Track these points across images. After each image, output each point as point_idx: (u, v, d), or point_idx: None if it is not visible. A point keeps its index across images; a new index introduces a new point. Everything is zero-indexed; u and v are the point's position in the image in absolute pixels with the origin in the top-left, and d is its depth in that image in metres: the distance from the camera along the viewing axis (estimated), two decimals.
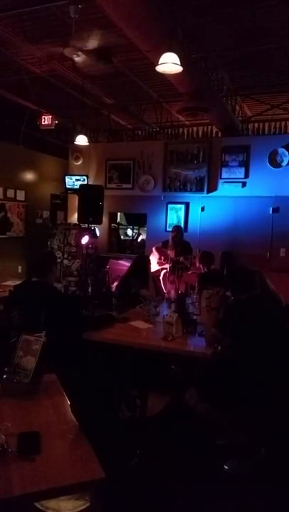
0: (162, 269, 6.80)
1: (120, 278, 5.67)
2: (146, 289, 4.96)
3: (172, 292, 4.72)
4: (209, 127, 8.21)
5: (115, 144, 8.82)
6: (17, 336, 2.36)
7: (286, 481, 2.69)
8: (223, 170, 7.60)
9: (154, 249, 7.10)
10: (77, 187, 8.18)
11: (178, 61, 4.20)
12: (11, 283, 4.56)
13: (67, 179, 8.84)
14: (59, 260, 7.31)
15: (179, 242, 6.59)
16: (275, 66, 6.79)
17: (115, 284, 6.51)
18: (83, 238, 7.43)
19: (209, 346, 2.99)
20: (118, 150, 8.63)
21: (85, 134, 8.12)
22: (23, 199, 9.10)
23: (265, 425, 2.80)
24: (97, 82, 7.78)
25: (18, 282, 3.88)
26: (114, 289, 6.49)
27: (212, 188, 7.71)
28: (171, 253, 6.47)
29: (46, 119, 8.38)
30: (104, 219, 8.16)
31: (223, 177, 7.61)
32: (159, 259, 6.90)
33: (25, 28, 5.67)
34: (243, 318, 2.85)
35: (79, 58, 5.76)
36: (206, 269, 5.25)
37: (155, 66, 4.45)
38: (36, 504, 1.63)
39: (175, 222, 7.84)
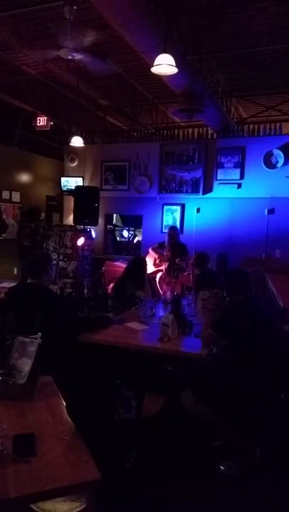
0: (158, 270, 6.80)
1: (116, 279, 5.67)
2: (142, 290, 4.96)
3: (168, 293, 4.72)
4: (204, 128, 8.24)
5: (111, 146, 8.82)
6: (12, 338, 2.35)
7: (282, 482, 2.69)
8: (219, 171, 7.61)
9: (150, 250, 7.11)
10: (73, 188, 8.17)
11: (173, 62, 4.21)
12: (7, 285, 4.55)
13: (62, 181, 8.83)
14: (55, 262, 7.29)
15: (175, 244, 6.60)
16: (270, 68, 6.83)
17: (111, 285, 6.51)
18: (79, 240, 7.42)
19: (205, 347, 2.99)
20: (114, 151, 8.63)
21: (81, 136, 8.12)
22: (18, 201, 9.09)
23: (261, 426, 2.81)
24: (93, 84, 7.79)
25: (13, 284, 3.87)
26: (110, 290, 6.48)
27: (207, 189, 7.72)
28: (167, 255, 6.48)
29: (41, 121, 8.38)
30: (100, 220, 8.17)
31: (218, 178, 7.62)
32: (155, 260, 6.91)
33: (20, 29, 5.68)
34: (238, 319, 2.86)
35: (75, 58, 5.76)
36: (198, 271, 5.27)
37: (150, 67, 4.46)
38: (32, 506, 1.62)
39: (171, 223, 7.84)
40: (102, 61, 6.12)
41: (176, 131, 8.61)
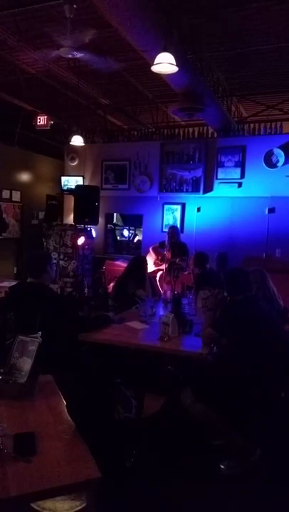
0: (159, 269, 6.80)
1: (117, 279, 5.67)
2: (142, 289, 4.95)
3: (168, 293, 4.72)
4: (205, 127, 8.23)
5: (111, 145, 8.81)
6: (12, 338, 2.35)
7: (282, 482, 2.69)
8: (219, 170, 7.61)
9: (151, 249, 7.10)
10: (73, 188, 8.16)
11: (173, 61, 4.20)
12: (7, 284, 4.55)
13: (63, 180, 8.83)
14: (55, 261, 7.29)
15: (175, 243, 6.60)
16: (270, 67, 6.83)
17: (111, 284, 6.50)
18: (79, 239, 7.42)
19: (205, 346, 2.99)
20: (114, 150, 8.62)
21: (81, 135, 8.11)
22: (18, 200, 9.09)
23: (261, 425, 2.80)
24: (93, 83, 7.78)
25: (13, 283, 3.87)
26: (110, 289, 6.48)
27: (208, 188, 7.72)
28: (167, 254, 6.47)
29: (41, 120, 8.37)
30: (101, 220, 8.16)
31: (218, 177, 7.62)
32: (156, 259, 6.90)
33: (20, 28, 5.66)
34: (238, 318, 2.86)
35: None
36: (198, 271, 5.27)
37: (150, 66, 4.45)
38: (32, 505, 1.62)
39: (171, 222, 7.84)
40: (103, 58, 6.11)
41: (177, 130, 8.61)
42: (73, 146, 8.35)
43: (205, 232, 7.63)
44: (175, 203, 7.99)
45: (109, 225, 9.01)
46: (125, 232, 9.75)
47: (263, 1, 4.89)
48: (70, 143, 8.01)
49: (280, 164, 7.11)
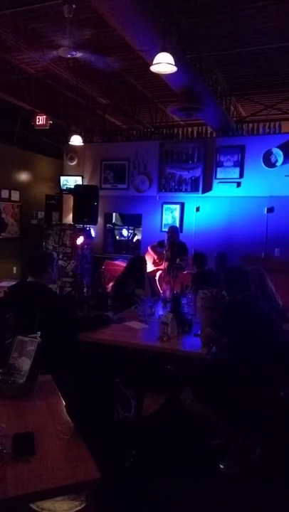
0: (158, 269, 6.80)
1: (116, 278, 5.66)
2: (141, 289, 4.95)
3: (168, 292, 4.72)
4: (204, 127, 8.23)
5: (110, 144, 8.81)
6: (11, 337, 2.35)
7: (282, 481, 2.69)
8: (218, 170, 7.61)
9: (149, 248, 7.10)
10: (72, 187, 8.16)
11: (172, 61, 4.20)
12: (6, 284, 4.54)
13: (62, 180, 8.82)
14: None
15: (174, 243, 6.59)
16: (269, 66, 6.83)
17: (110, 284, 6.50)
18: (78, 239, 7.41)
19: (205, 346, 2.99)
20: (113, 150, 8.62)
21: (80, 135, 8.11)
22: (17, 200, 9.08)
23: (261, 425, 2.81)
24: (92, 82, 7.78)
25: (12, 283, 3.86)
26: (109, 289, 6.48)
27: (207, 188, 7.72)
28: (167, 254, 6.47)
29: (41, 119, 8.36)
30: (100, 219, 8.16)
31: (217, 177, 7.62)
32: (155, 259, 6.90)
33: (19, 28, 5.66)
34: (238, 318, 2.85)
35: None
36: (196, 269, 5.27)
37: (149, 66, 4.45)
38: (31, 505, 1.62)
39: (170, 222, 7.84)
40: (102, 57, 6.11)
41: (176, 130, 8.60)
42: (72, 146, 8.34)
43: (204, 231, 7.63)
44: (174, 203, 7.99)
45: (108, 225, 9.00)
46: (124, 232, 9.75)
47: (263, 1, 4.88)
48: (69, 142, 8.00)
49: (278, 164, 7.11)
